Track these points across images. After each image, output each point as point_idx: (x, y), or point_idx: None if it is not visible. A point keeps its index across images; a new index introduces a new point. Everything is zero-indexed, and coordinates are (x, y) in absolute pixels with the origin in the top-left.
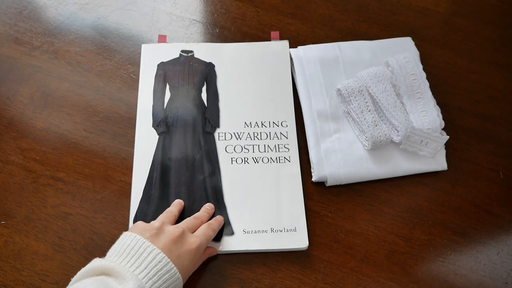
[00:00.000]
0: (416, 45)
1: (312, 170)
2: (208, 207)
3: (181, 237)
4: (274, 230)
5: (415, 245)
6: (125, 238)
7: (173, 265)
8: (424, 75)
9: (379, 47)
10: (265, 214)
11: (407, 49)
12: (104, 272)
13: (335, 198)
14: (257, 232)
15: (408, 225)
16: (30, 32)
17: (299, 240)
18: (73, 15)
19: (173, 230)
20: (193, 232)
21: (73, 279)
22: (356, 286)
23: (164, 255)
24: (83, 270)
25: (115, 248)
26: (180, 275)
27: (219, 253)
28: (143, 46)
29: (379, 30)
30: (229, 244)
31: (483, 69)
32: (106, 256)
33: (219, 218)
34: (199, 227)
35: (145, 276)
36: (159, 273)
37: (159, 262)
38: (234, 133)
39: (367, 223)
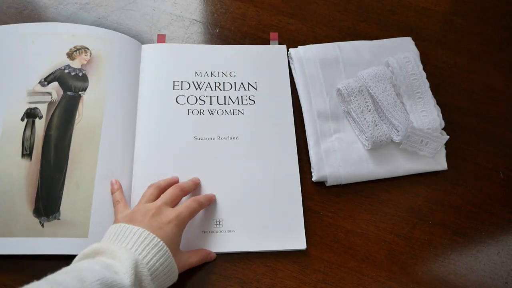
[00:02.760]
0: (416, 45)
1: (312, 170)
2: (195, 179)
3: (158, 212)
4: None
5: (415, 245)
6: (110, 230)
7: (156, 237)
8: (424, 75)
9: (379, 47)
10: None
11: (407, 49)
12: (99, 252)
13: (335, 198)
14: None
15: (408, 225)
16: None
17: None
18: (73, 15)
19: (149, 207)
20: (177, 203)
21: (74, 260)
22: (356, 286)
23: (144, 230)
24: (82, 252)
25: (103, 240)
26: (165, 244)
27: (218, 253)
28: (143, 46)
29: (379, 30)
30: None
31: (483, 69)
32: None
33: (210, 195)
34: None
35: (135, 251)
36: (147, 247)
37: (144, 238)
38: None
39: (367, 223)
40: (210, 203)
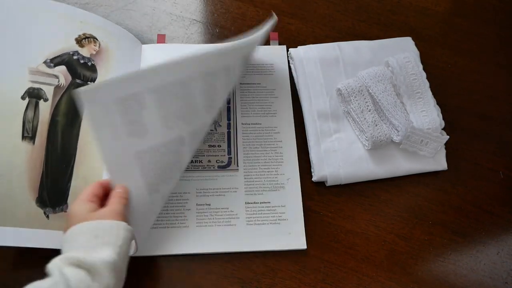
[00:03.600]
0: (416, 45)
1: (312, 170)
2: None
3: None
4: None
5: (415, 245)
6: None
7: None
8: (424, 75)
9: (379, 47)
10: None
11: (407, 49)
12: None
13: (335, 198)
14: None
15: (408, 225)
16: None
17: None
18: None
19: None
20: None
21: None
22: (356, 286)
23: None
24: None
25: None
26: (102, 222)
27: (218, 252)
28: (143, 46)
29: (379, 30)
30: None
31: (483, 69)
32: None
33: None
34: None
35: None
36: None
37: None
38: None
39: (367, 223)
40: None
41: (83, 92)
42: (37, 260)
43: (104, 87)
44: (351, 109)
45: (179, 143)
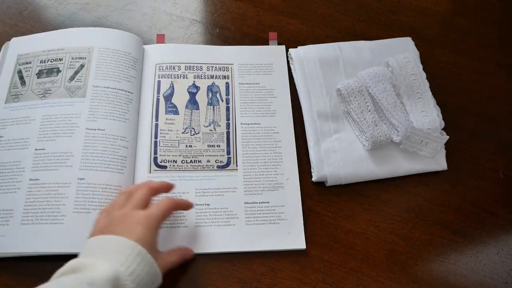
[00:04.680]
0: (416, 45)
1: (312, 170)
2: (168, 183)
3: (125, 216)
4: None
5: (415, 245)
6: (86, 244)
7: (136, 244)
8: (424, 75)
9: (379, 47)
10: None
11: (407, 49)
12: (77, 268)
13: (335, 198)
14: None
15: (408, 225)
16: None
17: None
18: (73, 15)
19: (117, 215)
20: (147, 204)
21: (50, 279)
22: (356, 286)
23: (119, 236)
24: (58, 271)
25: (80, 256)
26: (145, 250)
27: (218, 252)
28: (143, 47)
29: (379, 30)
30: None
31: (483, 69)
32: None
33: (188, 201)
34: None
35: (117, 261)
36: (129, 257)
37: (124, 247)
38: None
39: (367, 223)
40: (187, 207)
41: None
42: None
43: None
44: (351, 109)
45: None
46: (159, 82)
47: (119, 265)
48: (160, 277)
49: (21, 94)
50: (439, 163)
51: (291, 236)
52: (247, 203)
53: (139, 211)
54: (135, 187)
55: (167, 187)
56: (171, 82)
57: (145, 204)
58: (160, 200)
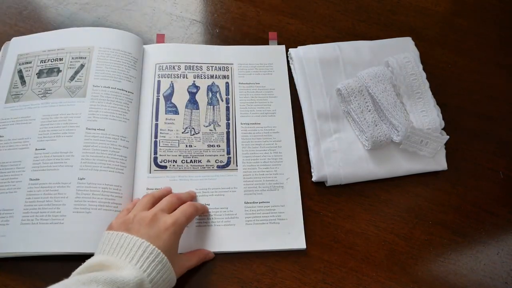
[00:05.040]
0: (416, 45)
1: (312, 170)
2: (191, 191)
3: (154, 219)
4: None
5: (415, 245)
6: (106, 237)
7: (160, 252)
8: (424, 75)
9: (379, 47)
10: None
11: (407, 49)
12: (104, 265)
13: (335, 198)
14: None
15: (408, 225)
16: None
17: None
18: (73, 15)
19: (146, 214)
20: (173, 211)
21: (76, 272)
22: (356, 286)
23: (144, 241)
24: (84, 265)
25: (102, 248)
26: (166, 257)
27: (218, 252)
28: (143, 47)
29: (379, 30)
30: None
31: (483, 69)
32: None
33: (205, 206)
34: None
35: (140, 267)
36: (152, 264)
37: (149, 253)
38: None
39: (367, 223)
40: (204, 212)
41: None
42: None
43: None
44: (351, 109)
45: None
46: (159, 82)
47: (142, 271)
48: (175, 282)
49: (21, 94)
50: (439, 163)
51: (291, 236)
52: (247, 203)
53: (167, 215)
54: (160, 192)
55: (191, 198)
56: (171, 82)
57: (172, 210)
58: (184, 205)
